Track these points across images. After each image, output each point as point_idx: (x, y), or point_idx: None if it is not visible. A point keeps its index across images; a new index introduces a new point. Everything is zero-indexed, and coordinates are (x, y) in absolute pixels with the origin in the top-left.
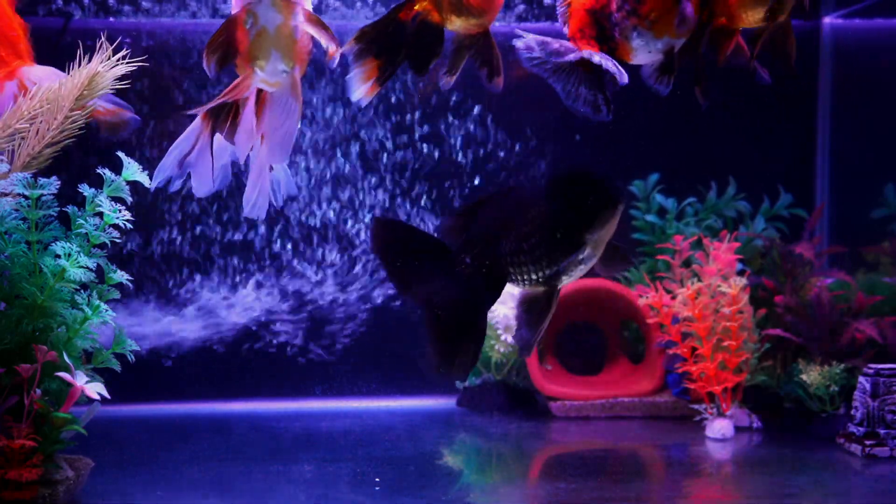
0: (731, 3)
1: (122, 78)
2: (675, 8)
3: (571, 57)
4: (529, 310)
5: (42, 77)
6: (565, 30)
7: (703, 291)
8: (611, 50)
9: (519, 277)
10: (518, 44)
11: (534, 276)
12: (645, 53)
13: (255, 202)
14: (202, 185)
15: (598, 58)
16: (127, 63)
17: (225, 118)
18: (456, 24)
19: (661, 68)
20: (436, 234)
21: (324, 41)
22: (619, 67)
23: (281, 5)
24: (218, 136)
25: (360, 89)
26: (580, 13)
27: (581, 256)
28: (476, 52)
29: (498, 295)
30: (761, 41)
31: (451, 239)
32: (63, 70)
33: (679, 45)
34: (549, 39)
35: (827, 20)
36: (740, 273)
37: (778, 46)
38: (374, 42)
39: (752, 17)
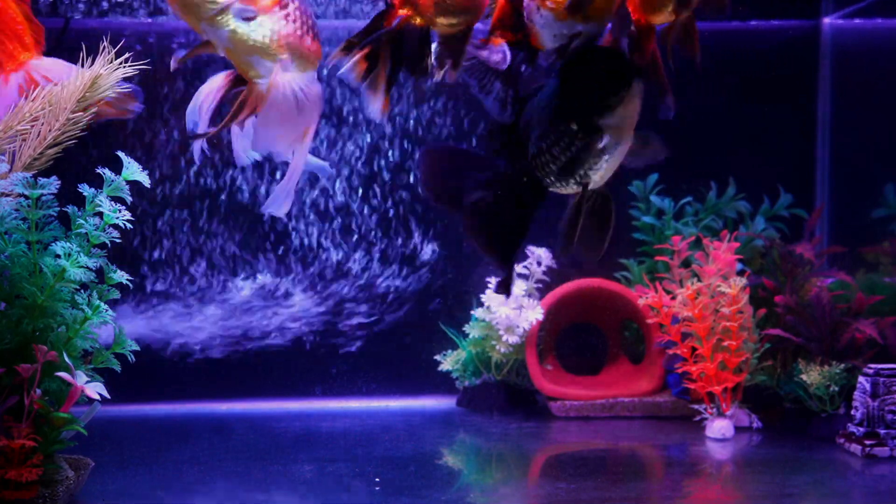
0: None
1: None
2: None
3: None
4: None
5: (49, 69)
6: (487, 21)
7: (703, 291)
8: (525, 37)
9: (548, 179)
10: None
11: (559, 175)
12: (550, 38)
13: (281, 199)
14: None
15: (485, 52)
16: (130, 65)
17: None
18: (441, 26)
19: (558, 49)
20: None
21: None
22: (507, 55)
23: (216, 20)
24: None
25: (377, 105)
26: (501, 2)
27: (601, 145)
28: (447, 48)
29: (537, 198)
30: (669, 39)
31: (499, 142)
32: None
33: (591, 31)
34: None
35: (827, 20)
36: (740, 273)
37: (684, 45)
38: (377, 53)
39: (660, 15)
